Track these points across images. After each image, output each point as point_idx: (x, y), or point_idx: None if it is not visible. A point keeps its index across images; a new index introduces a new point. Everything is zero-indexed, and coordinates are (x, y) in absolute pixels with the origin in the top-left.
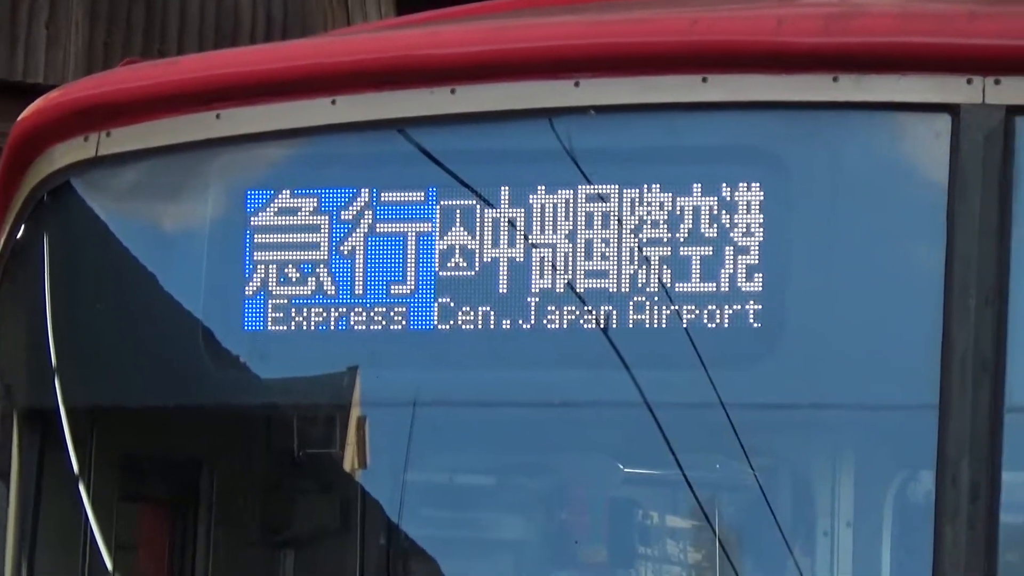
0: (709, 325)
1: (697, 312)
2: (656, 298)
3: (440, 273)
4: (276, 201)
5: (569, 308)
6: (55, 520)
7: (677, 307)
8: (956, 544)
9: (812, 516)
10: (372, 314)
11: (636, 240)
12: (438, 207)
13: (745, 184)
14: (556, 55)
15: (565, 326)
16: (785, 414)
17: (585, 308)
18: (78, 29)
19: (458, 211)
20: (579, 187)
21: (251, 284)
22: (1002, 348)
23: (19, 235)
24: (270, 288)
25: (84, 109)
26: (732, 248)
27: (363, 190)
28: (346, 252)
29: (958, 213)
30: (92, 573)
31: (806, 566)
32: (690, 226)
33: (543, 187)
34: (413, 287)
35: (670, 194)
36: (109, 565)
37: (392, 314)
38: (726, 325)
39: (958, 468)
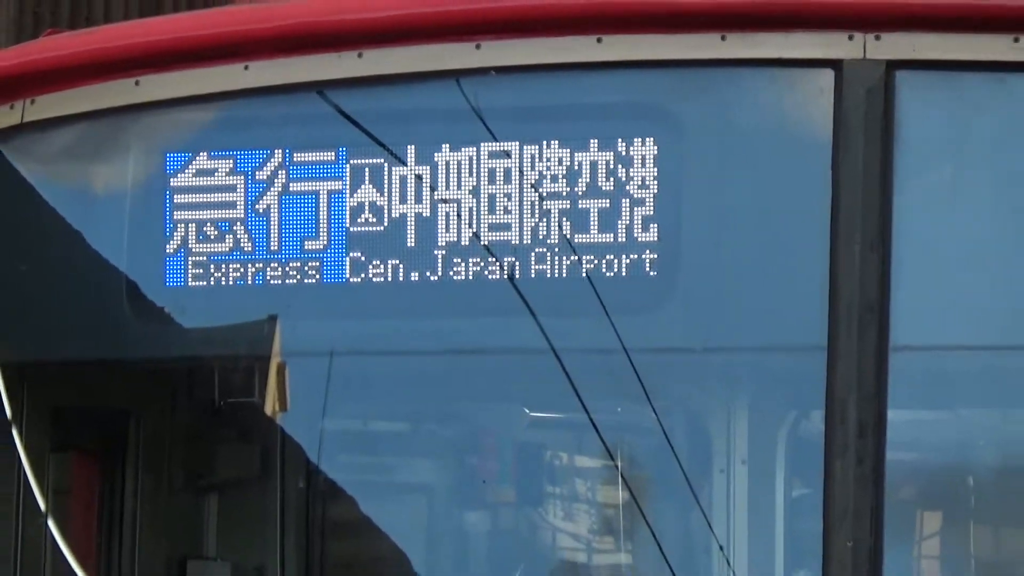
0: (607, 274)
1: (596, 262)
2: (557, 249)
3: (351, 229)
4: (194, 163)
5: (474, 260)
6: None
7: (577, 257)
8: (845, 478)
9: (709, 455)
10: (287, 269)
11: (537, 194)
12: (348, 166)
13: (640, 139)
14: (458, 19)
15: (471, 277)
16: (681, 358)
17: (489, 259)
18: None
19: (367, 169)
20: (482, 144)
21: (172, 242)
22: (886, 291)
23: None
24: (190, 246)
25: (8, 78)
26: (628, 200)
27: (276, 151)
28: (261, 210)
29: (842, 164)
30: (26, 522)
31: (704, 502)
32: (588, 180)
33: (448, 145)
34: (326, 242)
35: (568, 150)
36: (43, 510)
37: (306, 268)
38: (624, 274)
39: (846, 407)
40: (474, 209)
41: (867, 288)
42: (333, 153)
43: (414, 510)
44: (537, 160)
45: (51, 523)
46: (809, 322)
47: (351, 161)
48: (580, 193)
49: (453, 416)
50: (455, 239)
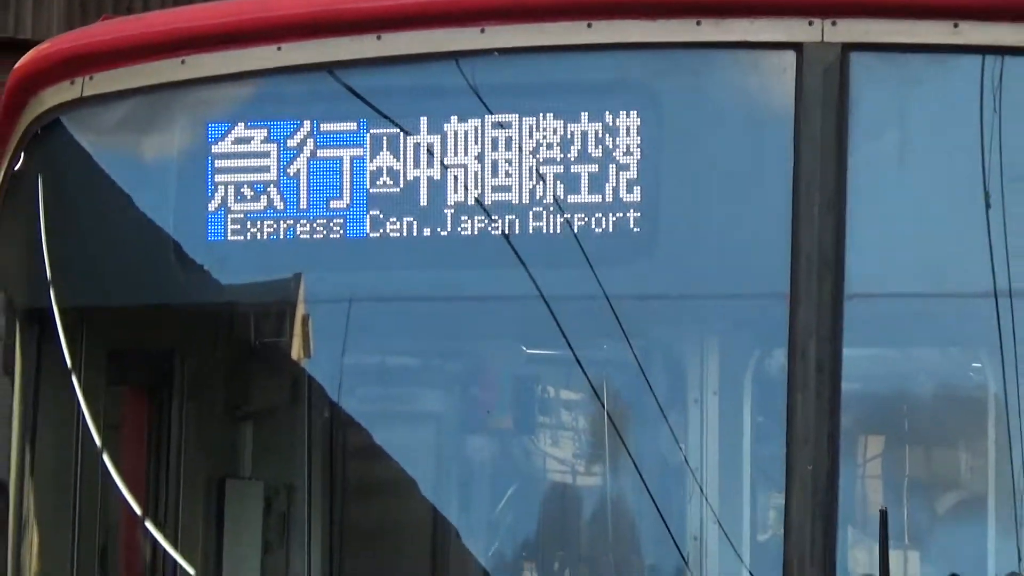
0: (596, 230)
1: (586, 219)
2: (551, 208)
3: (371, 190)
4: (233, 132)
5: (479, 218)
6: (52, 405)
7: (569, 215)
8: (806, 409)
9: (684, 387)
10: (315, 225)
11: (534, 160)
12: (368, 135)
13: (625, 112)
14: (465, 6)
15: (476, 232)
16: (662, 303)
17: (492, 217)
18: None
19: (385, 138)
20: (485, 116)
21: (213, 202)
22: (841, 246)
23: (18, 164)
24: (229, 205)
25: (71, 58)
26: (615, 166)
27: (305, 122)
28: (292, 174)
29: (803, 134)
30: (84, 449)
31: (680, 428)
32: (579, 148)
33: (456, 117)
34: (348, 202)
35: (562, 121)
36: (98, 441)
37: (331, 225)
38: (611, 230)
39: (806, 346)
40: (479, 173)
41: (824, 244)
42: (355, 124)
43: (424, 435)
44: (535, 130)
45: (105, 451)
46: (774, 272)
47: (371, 131)
48: (572, 159)
49: (459, 353)
50: (462, 199)
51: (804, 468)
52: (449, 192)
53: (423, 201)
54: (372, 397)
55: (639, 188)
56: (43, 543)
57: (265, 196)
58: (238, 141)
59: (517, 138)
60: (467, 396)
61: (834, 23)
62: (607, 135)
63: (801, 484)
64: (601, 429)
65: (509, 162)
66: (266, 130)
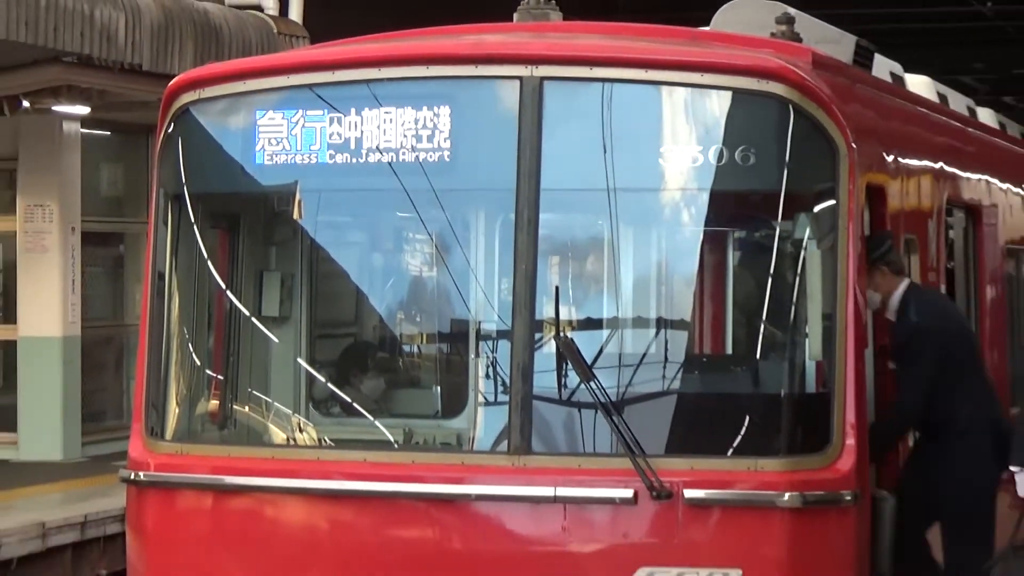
0: (431, 160)
1: (426, 155)
2: (411, 150)
3: (328, 141)
4: (268, 114)
5: (376, 154)
6: (185, 238)
7: (419, 154)
8: (522, 239)
9: (469, 231)
10: (302, 157)
11: (402, 128)
12: (328, 116)
13: (442, 107)
14: (372, 59)
15: (376, 161)
16: (462, 192)
17: (383, 154)
18: (189, 52)
19: (335, 118)
20: (380, 108)
21: (258, 145)
22: (538, 168)
23: (169, 131)
24: (265, 147)
25: (193, 81)
26: (439, 131)
27: (299, 110)
28: (294, 133)
29: (522, 121)
30: (199, 257)
31: (467, 250)
32: (424, 123)
33: (367, 108)
34: (318, 146)
35: (415, 111)
36: (204, 253)
37: (312, 158)
38: (436, 160)
39: (522, 210)
40: (376, 134)
41: (531, 166)
42: (322, 111)
43: (352, 251)
44: (402, 115)
45: (208, 258)
46: (508, 178)
47: (329, 114)
48: (419, 128)
49: (367, 214)
50: (371, 145)
51: (521, 267)
52: (364, 142)
53: (352, 146)
54: (329, 234)
55: (450, 141)
56: (181, 304)
57: (281, 143)
58: (269, 118)
59: (395, 118)
60: (372, 235)
61: (537, 67)
62: (435, 117)
63: (520, 275)
64: (431, 249)
65: (393, 131)
66: (282, 113)
